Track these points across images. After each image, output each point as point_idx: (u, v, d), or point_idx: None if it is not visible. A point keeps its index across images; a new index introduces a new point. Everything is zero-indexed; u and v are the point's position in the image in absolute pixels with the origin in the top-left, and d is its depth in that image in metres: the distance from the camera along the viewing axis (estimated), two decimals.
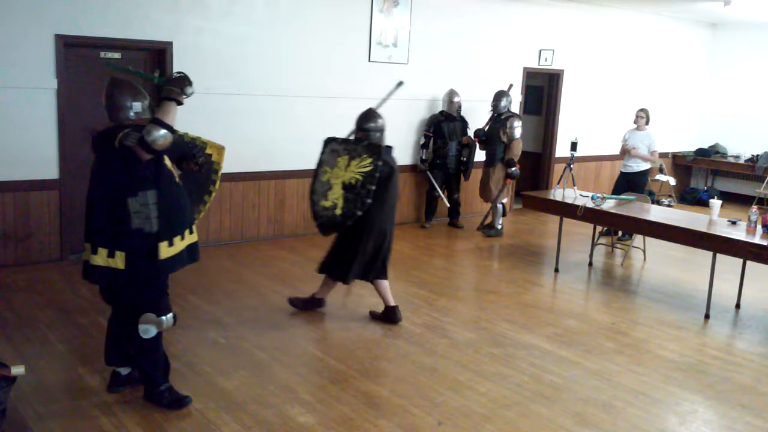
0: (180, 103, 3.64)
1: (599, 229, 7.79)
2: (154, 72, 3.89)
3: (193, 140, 4.39)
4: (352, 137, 5.38)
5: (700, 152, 12.41)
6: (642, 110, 8.63)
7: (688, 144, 12.67)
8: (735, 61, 12.25)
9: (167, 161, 3.81)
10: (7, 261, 6.36)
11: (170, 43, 6.88)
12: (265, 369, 4.52)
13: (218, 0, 7.13)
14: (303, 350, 4.88)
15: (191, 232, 3.90)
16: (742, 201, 11.67)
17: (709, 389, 4.59)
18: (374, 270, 5.34)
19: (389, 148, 5.36)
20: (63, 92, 6.38)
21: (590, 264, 7.55)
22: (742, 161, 11.92)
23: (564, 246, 7.58)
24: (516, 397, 4.30)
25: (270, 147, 7.72)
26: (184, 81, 3.64)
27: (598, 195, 7.18)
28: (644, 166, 8.53)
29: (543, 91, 10.99)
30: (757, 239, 5.73)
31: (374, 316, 5.53)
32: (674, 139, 12.24)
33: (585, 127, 10.56)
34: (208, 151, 4.43)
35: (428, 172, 8.81)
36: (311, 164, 7.73)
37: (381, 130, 5.34)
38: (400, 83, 5.84)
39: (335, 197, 5.14)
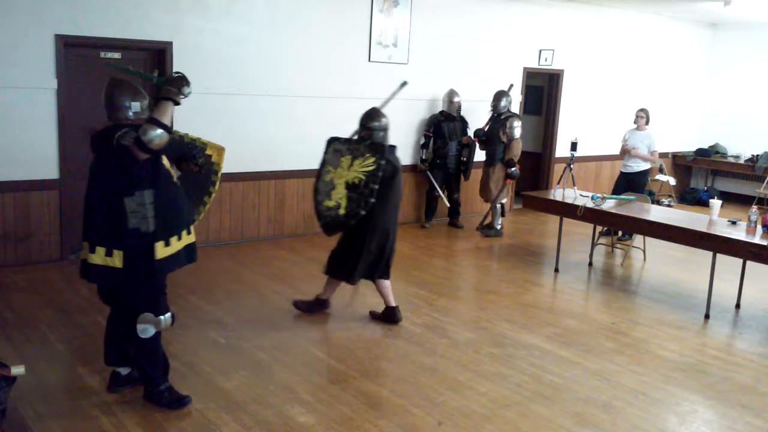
0: (177, 103, 3.65)
1: (599, 229, 7.79)
2: (153, 72, 3.89)
3: (193, 141, 4.39)
4: (356, 137, 5.37)
5: (700, 152, 12.41)
6: (642, 110, 8.63)
7: (688, 144, 12.67)
8: (735, 61, 12.25)
9: (165, 161, 3.81)
10: (7, 261, 6.36)
11: (170, 43, 6.88)
12: (265, 369, 4.52)
13: (218, 0, 7.13)
14: (303, 350, 4.88)
15: (189, 233, 3.90)
16: (742, 201, 11.67)
17: (709, 389, 4.59)
18: (379, 269, 5.34)
19: (393, 147, 5.35)
20: (63, 92, 6.38)
21: (590, 264, 7.55)
22: (742, 161, 11.92)
23: (564, 246, 7.58)
24: (516, 397, 4.30)
25: (270, 147, 7.72)
26: (181, 81, 3.65)
27: (598, 195, 7.18)
28: (644, 166, 8.53)
29: (543, 91, 10.99)
30: (757, 239, 5.73)
31: (374, 316, 5.53)
32: (674, 139, 12.24)
33: (585, 127, 10.56)
34: (208, 152, 4.43)
35: (428, 172, 8.82)
36: (311, 164, 7.77)
37: (385, 129, 5.33)
38: (404, 83, 5.85)
39: (339, 197, 5.14)
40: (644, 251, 7.84)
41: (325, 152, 5.34)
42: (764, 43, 11.83)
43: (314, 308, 5.54)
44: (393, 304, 5.45)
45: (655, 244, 7.77)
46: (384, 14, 8.37)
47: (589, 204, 6.97)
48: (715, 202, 6.57)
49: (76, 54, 6.47)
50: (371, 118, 5.32)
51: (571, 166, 8.21)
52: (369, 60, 8.36)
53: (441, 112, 8.85)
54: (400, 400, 4.17)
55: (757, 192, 11.23)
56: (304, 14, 7.73)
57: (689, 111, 12.59)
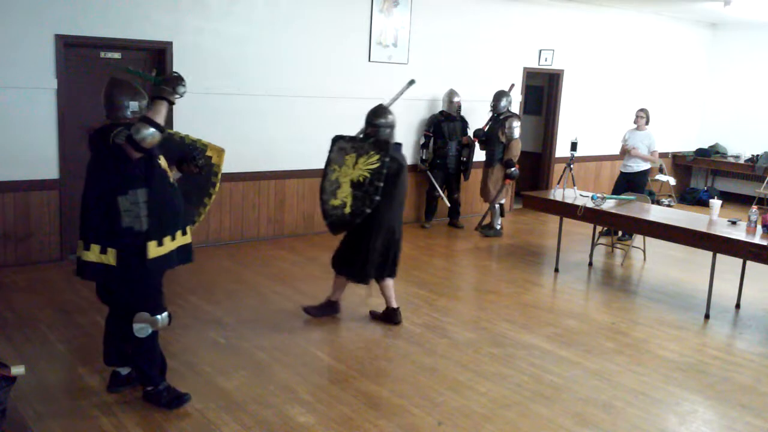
0: (172, 103, 3.66)
1: (599, 229, 7.79)
2: (151, 72, 3.89)
3: (194, 143, 4.39)
4: (361, 135, 5.36)
5: (700, 152, 12.41)
6: (642, 110, 8.63)
7: (688, 144, 12.67)
8: (735, 61, 12.25)
9: (162, 162, 3.81)
10: (7, 261, 6.36)
11: (170, 43, 6.88)
12: (265, 369, 4.52)
13: (218, 0, 7.13)
14: (303, 350, 4.87)
15: (184, 234, 3.90)
16: (742, 201, 11.67)
17: (709, 389, 4.59)
18: (387, 268, 5.32)
19: (398, 145, 5.34)
20: (63, 92, 6.38)
21: (590, 264, 7.55)
22: (742, 161, 11.92)
23: (564, 246, 7.58)
24: (516, 397, 4.30)
25: (270, 147, 7.72)
26: (176, 81, 3.66)
27: (598, 195, 7.18)
28: (644, 166, 8.53)
29: (543, 91, 10.99)
30: (757, 239, 5.73)
31: (374, 316, 5.52)
32: (674, 139, 12.24)
33: (585, 127, 10.56)
34: (209, 153, 4.43)
35: (428, 172, 8.82)
36: (311, 164, 7.82)
37: (391, 126, 5.31)
38: (412, 81, 5.84)
39: (344, 195, 5.12)
40: (644, 251, 7.84)
41: (330, 151, 5.32)
42: (764, 43, 11.83)
43: (325, 311, 5.48)
44: (394, 305, 5.44)
45: (655, 244, 7.77)
46: (384, 14, 8.37)
47: (589, 204, 6.97)
48: (715, 202, 6.57)
49: (76, 54, 6.47)
50: (377, 115, 5.30)
51: (571, 166, 8.21)
52: (369, 60, 8.36)
53: (441, 112, 8.85)
54: (400, 400, 4.17)
55: (757, 192, 11.23)
56: (304, 14, 7.73)
57: (689, 111, 12.59)
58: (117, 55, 6.72)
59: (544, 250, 8.15)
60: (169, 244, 3.78)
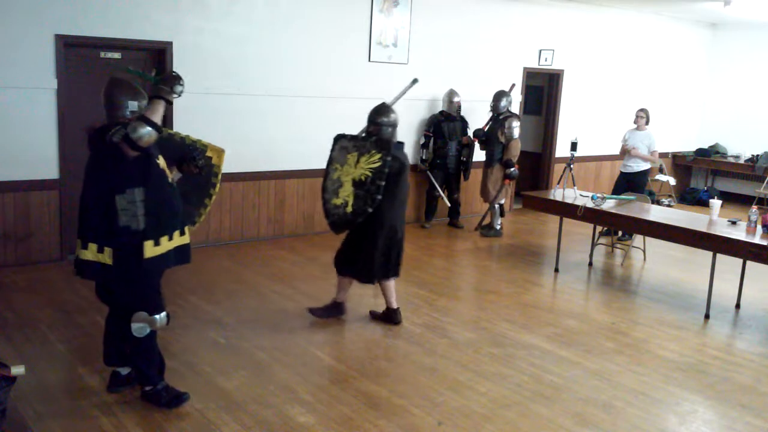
0: (169, 102, 3.66)
1: (599, 229, 7.79)
2: (151, 71, 3.90)
3: (194, 143, 4.39)
4: (363, 134, 5.35)
5: (700, 152, 12.41)
6: (642, 110, 8.63)
7: (688, 144, 12.67)
8: (735, 61, 12.25)
9: (161, 161, 3.81)
10: (7, 261, 6.36)
11: (170, 43, 6.88)
12: (265, 369, 4.52)
13: (218, 0, 7.13)
14: (303, 350, 4.87)
15: (182, 234, 3.90)
16: (742, 201, 11.67)
17: (709, 389, 4.59)
18: (391, 268, 5.31)
19: (400, 143, 5.33)
20: (63, 92, 6.38)
21: (590, 264, 7.55)
22: (742, 161, 11.92)
23: (564, 246, 7.58)
24: (516, 397, 4.30)
25: (270, 147, 7.72)
26: (174, 80, 3.67)
27: (598, 195, 7.18)
28: (644, 166, 8.53)
29: (543, 91, 10.99)
30: (757, 239, 5.73)
31: (374, 316, 5.52)
32: (674, 139, 12.24)
33: (585, 127, 10.56)
34: (208, 153, 4.43)
35: (428, 172, 8.82)
36: (311, 164, 7.82)
37: (393, 125, 5.29)
38: (415, 80, 5.85)
39: (346, 194, 5.11)
40: (644, 251, 7.84)
41: (332, 150, 5.31)
42: (764, 43, 11.83)
43: (331, 313, 5.45)
44: (395, 306, 5.44)
45: (655, 244, 7.77)
46: (384, 14, 8.37)
47: (589, 204, 6.97)
48: (715, 202, 6.57)
49: (76, 54, 6.47)
50: (380, 113, 5.29)
51: (571, 166, 8.21)
52: (369, 60, 8.36)
53: (441, 112, 8.85)
54: (400, 400, 4.17)
55: (757, 192, 11.23)
56: (304, 14, 7.73)
57: (689, 111, 12.59)
58: (117, 55, 6.73)
59: (544, 250, 8.15)
60: (166, 244, 3.78)
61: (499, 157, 8.54)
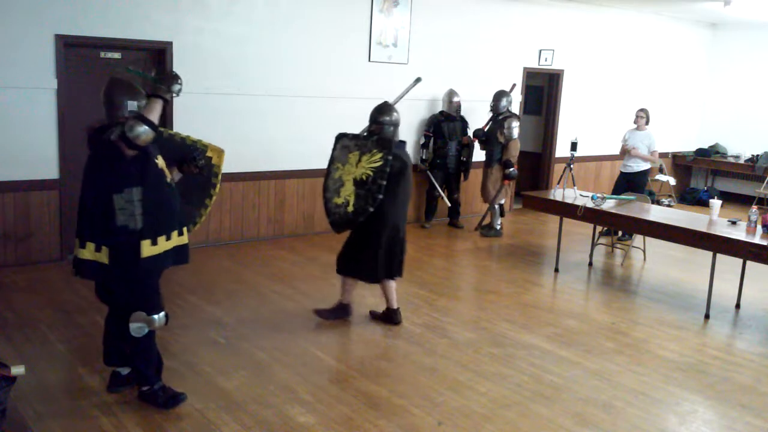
0: (167, 101, 3.66)
1: (599, 229, 7.79)
2: (152, 72, 3.90)
3: (194, 143, 4.39)
4: (365, 133, 5.34)
5: (700, 152, 12.41)
6: (642, 110, 8.63)
7: (688, 144, 12.67)
8: (735, 61, 12.25)
9: (160, 161, 3.80)
10: (7, 261, 6.36)
11: (170, 43, 6.88)
12: (265, 369, 4.52)
13: (218, 0, 7.13)
14: (303, 350, 4.87)
15: (180, 234, 3.90)
16: (742, 201, 11.67)
17: (709, 389, 4.59)
18: (394, 267, 5.30)
19: (402, 143, 5.33)
20: (63, 92, 6.38)
21: (590, 264, 7.55)
22: (742, 161, 11.92)
23: (564, 246, 7.58)
24: (516, 397, 4.30)
25: (270, 147, 7.72)
26: (172, 79, 3.67)
27: (598, 195, 7.18)
28: (644, 166, 8.53)
29: (543, 91, 10.99)
30: (757, 239, 5.73)
31: (374, 316, 5.52)
32: (674, 139, 12.24)
33: (585, 127, 10.56)
34: (209, 154, 4.43)
35: (428, 172, 8.82)
36: (311, 164, 7.82)
37: (395, 124, 5.29)
38: (418, 79, 5.85)
39: (347, 194, 5.10)
40: (644, 251, 7.84)
41: (334, 149, 5.30)
42: (764, 43, 11.83)
43: (338, 314, 5.43)
44: (395, 306, 5.44)
45: (655, 244, 7.77)
46: (384, 14, 8.37)
47: (589, 204, 6.97)
48: (715, 202, 6.57)
49: (76, 54, 6.47)
50: (382, 112, 5.29)
51: (571, 166, 8.21)
52: (369, 60, 8.36)
53: (441, 112, 8.85)
54: (400, 400, 4.17)
55: (757, 192, 11.23)
56: (304, 14, 7.73)
57: (689, 111, 12.59)
58: (117, 55, 6.73)
59: (544, 250, 8.15)
60: (164, 244, 3.77)
61: (498, 157, 8.53)
